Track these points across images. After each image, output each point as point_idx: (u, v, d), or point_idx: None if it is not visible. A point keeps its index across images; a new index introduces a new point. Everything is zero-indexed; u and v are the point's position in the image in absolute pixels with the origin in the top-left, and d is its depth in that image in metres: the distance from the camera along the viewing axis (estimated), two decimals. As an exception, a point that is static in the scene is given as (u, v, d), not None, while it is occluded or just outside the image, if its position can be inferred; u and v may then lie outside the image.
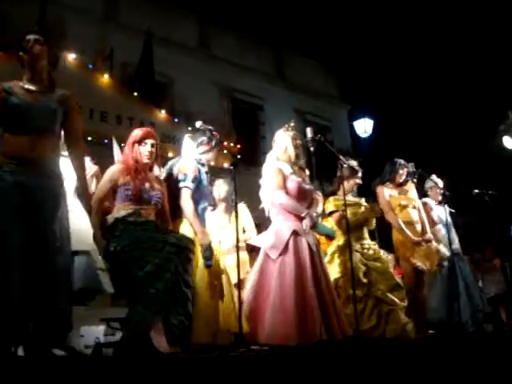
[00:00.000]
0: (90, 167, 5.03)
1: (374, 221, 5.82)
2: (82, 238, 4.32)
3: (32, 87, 3.56)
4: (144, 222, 3.91)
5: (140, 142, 4.15)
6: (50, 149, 3.55)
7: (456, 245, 6.64)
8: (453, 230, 6.70)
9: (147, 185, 4.06)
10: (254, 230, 5.86)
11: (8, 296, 3.17)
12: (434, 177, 6.79)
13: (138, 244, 3.73)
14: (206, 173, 4.74)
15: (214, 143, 4.80)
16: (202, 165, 4.70)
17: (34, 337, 3.34)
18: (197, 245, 4.22)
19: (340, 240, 5.61)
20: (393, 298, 5.31)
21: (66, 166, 3.91)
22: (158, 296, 3.58)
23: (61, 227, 3.51)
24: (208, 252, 4.23)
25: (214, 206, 5.61)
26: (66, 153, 3.96)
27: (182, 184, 4.44)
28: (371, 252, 5.56)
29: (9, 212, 3.29)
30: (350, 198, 5.77)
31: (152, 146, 4.15)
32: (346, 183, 5.56)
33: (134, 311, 3.60)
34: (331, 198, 5.83)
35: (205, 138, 4.79)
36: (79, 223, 4.31)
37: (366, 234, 5.73)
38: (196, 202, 4.50)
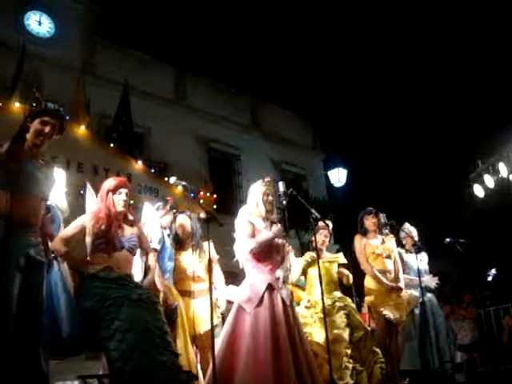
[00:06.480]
0: None
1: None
2: None
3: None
4: (114, 279, 3.90)
5: (114, 191, 4.22)
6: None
7: (429, 292, 6.69)
8: (426, 277, 6.75)
9: (120, 231, 4.11)
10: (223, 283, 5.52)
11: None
12: (407, 225, 6.88)
13: (102, 303, 3.74)
14: (168, 235, 5.19)
15: (168, 207, 5.30)
16: (164, 228, 5.15)
17: None
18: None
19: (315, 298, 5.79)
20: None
21: None
22: (133, 347, 3.55)
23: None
24: (174, 314, 4.66)
25: (179, 243, 5.46)
26: None
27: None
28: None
29: (14, 272, 3.44)
30: (327, 255, 6.01)
31: (126, 195, 4.22)
32: (318, 236, 5.83)
33: (118, 369, 3.55)
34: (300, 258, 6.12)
35: (160, 203, 5.33)
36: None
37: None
38: (161, 263, 4.92)
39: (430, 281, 6.68)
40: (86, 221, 4.13)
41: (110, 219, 4.10)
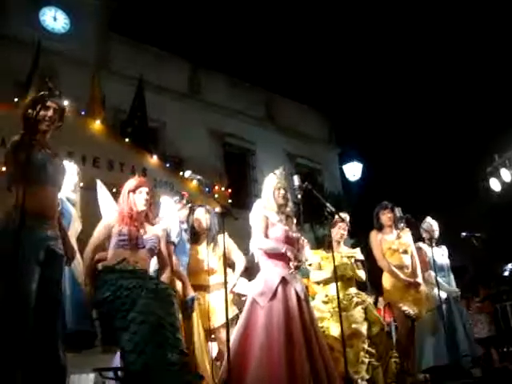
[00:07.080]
0: None
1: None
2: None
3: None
4: (130, 271, 3.98)
5: (135, 190, 4.33)
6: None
7: (453, 287, 6.65)
8: (449, 273, 6.69)
9: (142, 231, 4.20)
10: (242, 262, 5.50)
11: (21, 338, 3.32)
12: (428, 219, 6.80)
13: (119, 293, 3.80)
14: (185, 230, 5.22)
15: (184, 201, 5.34)
16: (182, 222, 5.18)
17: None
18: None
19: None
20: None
21: None
22: (147, 339, 3.60)
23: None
24: (191, 303, 4.69)
25: (195, 235, 5.48)
26: None
27: (167, 240, 4.79)
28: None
29: (34, 266, 3.46)
30: (344, 249, 5.96)
31: (147, 193, 4.33)
32: (334, 230, 5.81)
33: (129, 361, 3.59)
34: (316, 251, 6.06)
35: (177, 198, 5.35)
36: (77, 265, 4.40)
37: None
38: (178, 257, 4.96)
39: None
40: (111, 220, 4.25)
41: (133, 219, 4.22)
